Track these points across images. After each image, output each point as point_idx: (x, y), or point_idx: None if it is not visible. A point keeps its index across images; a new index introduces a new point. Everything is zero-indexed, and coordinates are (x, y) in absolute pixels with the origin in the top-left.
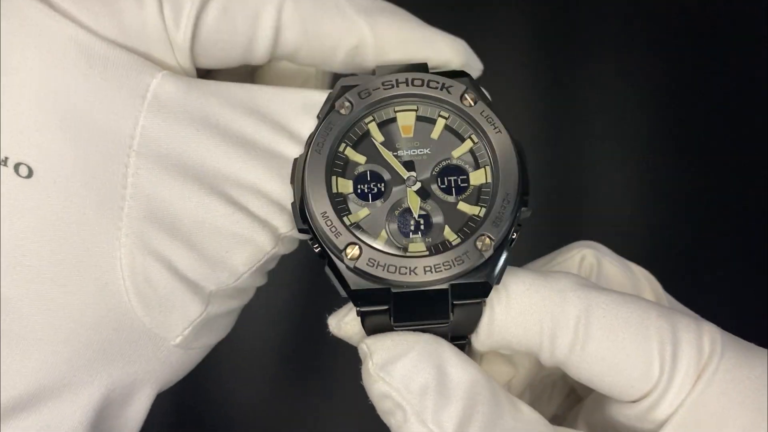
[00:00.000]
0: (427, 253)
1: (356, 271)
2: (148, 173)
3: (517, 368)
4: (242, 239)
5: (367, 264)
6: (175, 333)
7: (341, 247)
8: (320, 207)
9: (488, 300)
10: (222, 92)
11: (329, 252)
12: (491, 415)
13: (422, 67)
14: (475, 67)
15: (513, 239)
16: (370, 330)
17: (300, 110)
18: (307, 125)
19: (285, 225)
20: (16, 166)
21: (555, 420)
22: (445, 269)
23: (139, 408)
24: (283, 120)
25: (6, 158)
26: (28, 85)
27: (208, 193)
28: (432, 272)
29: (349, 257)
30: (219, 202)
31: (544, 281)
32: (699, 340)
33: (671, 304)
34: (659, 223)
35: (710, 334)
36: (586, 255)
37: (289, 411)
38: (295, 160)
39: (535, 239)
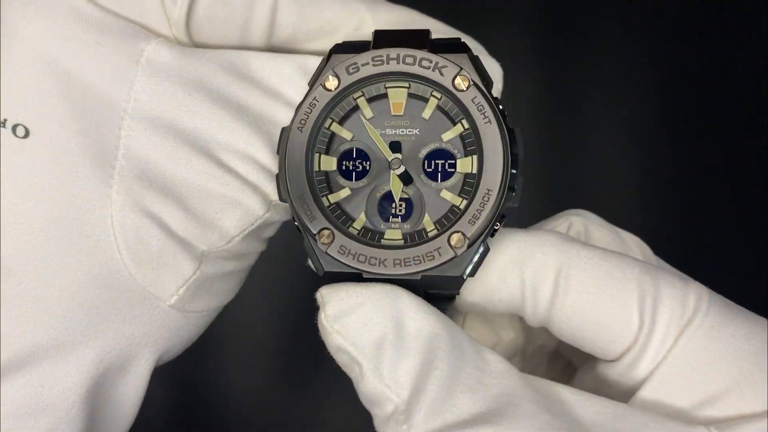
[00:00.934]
0: (402, 242)
1: (329, 255)
2: (140, 135)
3: (501, 336)
4: (232, 202)
5: (338, 251)
6: (170, 292)
7: (314, 231)
8: (297, 189)
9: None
10: (216, 58)
11: (304, 233)
12: (452, 368)
13: (423, 34)
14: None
15: (495, 230)
16: None
17: (294, 75)
18: (301, 90)
19: (276, 192)
20: (14, 127)
21: None
22: (415, 264)
23: (138, 374)
24: (277, 85)
25: (5, 120)
26: (26, 49)
27: (199, 156)
28: (401, 266)
29: (321, 242)
30: (209, 165)
31: (526, 236)
32: (683, 297)
33: (662, 267)
34: (658, 217)
35: (696, 291)
36: (573, 222)
37: (292, 401)
38: (283, 129)
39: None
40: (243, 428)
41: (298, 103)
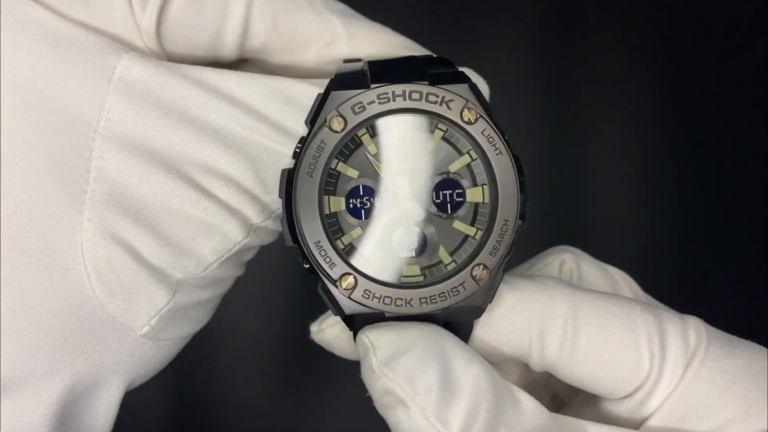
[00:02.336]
0: (421, 278)
1: (352, 300)
2: (113, 157)
3: (507, 376)
4: (209, 227)
5: (363, 296)
6: (141, 322)
7: (335, 277)
8: (313, 236)
9: None
10: (194, 75)
11: (322, 277)
12: (495, 411)
13: (419, 62)
14: None
15: (506, 259)
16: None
17: (277, 97)
18: (284, 112)
19: (257, 215)
20: None
21: None
22: (441, 300)
23: (108, 401)
24: (258, 106)
25: None
26: None
27: (175, 179)
28: (428, 304)
29: (343, 287)
30: (185, 188)
31: (530, 282)
32: (684, 332)
33: (651, 303)
34: (658, 225)
35: (695, 326)
36: (565, 259)
37: (289, 406)
38: (284, 171)
39: (532, 241)
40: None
41: (281, 124)
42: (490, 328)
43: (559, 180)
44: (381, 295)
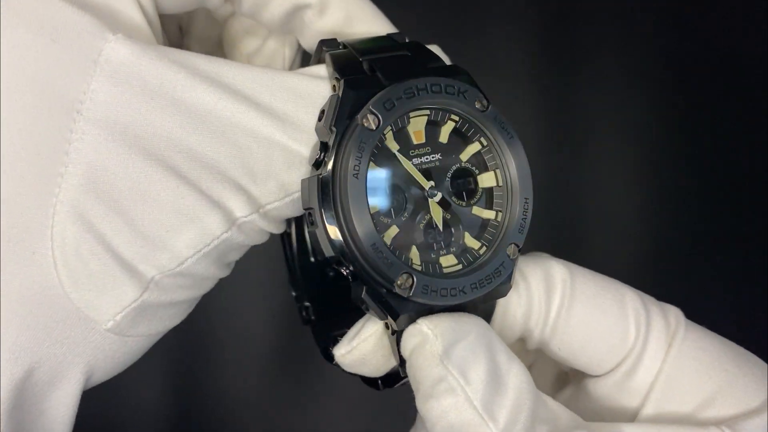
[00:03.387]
0: (460, 267)
1: (410, 299)
2: (93, 139)
3: None
4: (186, 218)
5: (422, 291)
6: (106, 316)
7: (394, 277)
8: (369, 238)
9: None
10: (182, 60)
11: (373, 282)
12: (535, 408)
13: (391, 39)
14: None
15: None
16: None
17: (268, 84)
18: (276, 99)
19: (242, 208)
20: None
21: None
22: (488, 283)
23: (68, 392)
24: (249, 93)
25: None
26: None
27: (153, 165)
28: (478, 288)
29: (401, 287)
30: (164, 175)
31: (528, 256)
32: (665, 315)
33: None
34: (660, 224)
35: (675, 311)
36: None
37: (290, 406)
38: (312, 179)
39: (533, 240)
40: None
41: (274, 112)
42: (504, 306)
43: (560, 178)
44: (438, 288)
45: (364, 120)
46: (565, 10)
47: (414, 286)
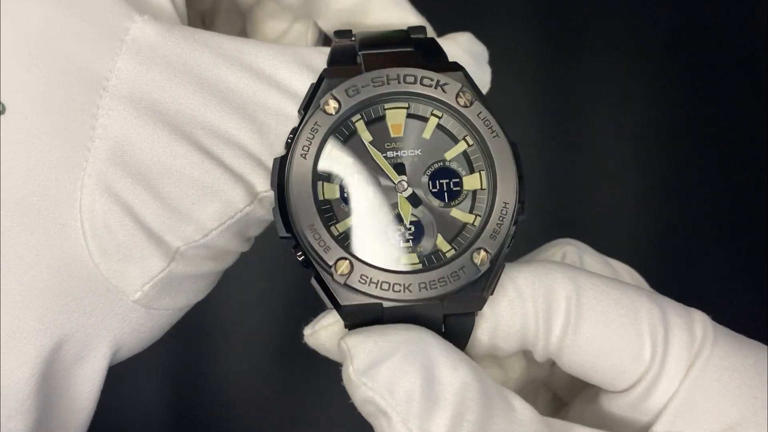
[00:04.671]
0: (420, 266)
1: (347, 287)
2: (119, 115)
3: (508, 373)
4: (211, 191)
5: (359, 281)
6: (134, 287)
7: (330, 262)
8: (306, 218)
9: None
10: (206, 40)
11: (316, 266)
12: (482, 420)
13: (404, 34)
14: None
15: (507, 249)
16: None
17: (289, 62)
18: (296, 78)
19: (263, 183)
20: None
21: None
22: (441, 285)
23: (95, 366)
24: (270, 71)
25: None
26: (6, 23)
27: (179, 140)
28: (427, 289)
29: (339, 273)
30: (189, 150)
31: (531, 267)
32: (690, 326)
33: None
34: (659, 221)
35: (701, 320)
36: (567, 251)
37: (290, 405)
38: (276, 159)
39: (532, 238)
40: (243, 425)
41: (293, 89)
42: (494, 321)
43: (560, 177)
44: (378, 281)
45: (326, 104)
46: (566, 10)
47: (351, 274)
